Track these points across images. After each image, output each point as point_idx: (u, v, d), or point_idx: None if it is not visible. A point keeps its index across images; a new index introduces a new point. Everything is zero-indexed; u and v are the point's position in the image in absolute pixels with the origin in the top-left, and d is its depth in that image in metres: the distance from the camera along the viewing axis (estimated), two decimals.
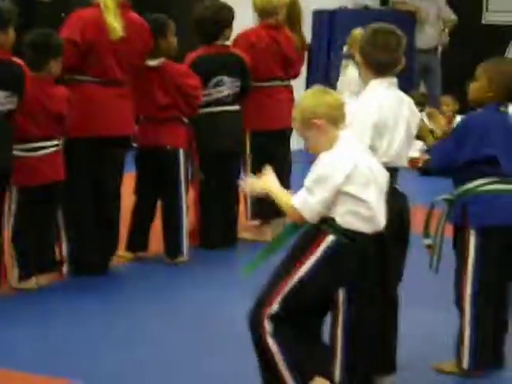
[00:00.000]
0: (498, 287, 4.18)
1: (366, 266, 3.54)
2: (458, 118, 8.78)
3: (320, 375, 3.53)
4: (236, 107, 6.07)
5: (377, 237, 3.57)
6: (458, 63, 8.97)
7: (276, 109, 6.15)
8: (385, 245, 3.67)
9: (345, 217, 3.47)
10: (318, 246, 3.49)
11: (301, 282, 3.50)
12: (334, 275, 3.52)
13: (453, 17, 10.27)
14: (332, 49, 9.40)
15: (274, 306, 3.51)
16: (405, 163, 4.00)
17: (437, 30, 10.26)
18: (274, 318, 3.51)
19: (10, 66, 4.83)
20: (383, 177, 3.59)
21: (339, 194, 3.44)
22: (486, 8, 10.59)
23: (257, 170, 6.06)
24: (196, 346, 4.49)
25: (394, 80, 3.95)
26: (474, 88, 4.18)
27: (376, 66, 3.87)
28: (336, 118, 3.50)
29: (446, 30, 10.31)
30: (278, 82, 6.25)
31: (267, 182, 3.60)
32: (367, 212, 3.48)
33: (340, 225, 3.48)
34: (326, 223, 3.49)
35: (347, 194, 3.44)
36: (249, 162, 6.23)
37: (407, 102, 3.98)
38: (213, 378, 4.13)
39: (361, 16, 9.38)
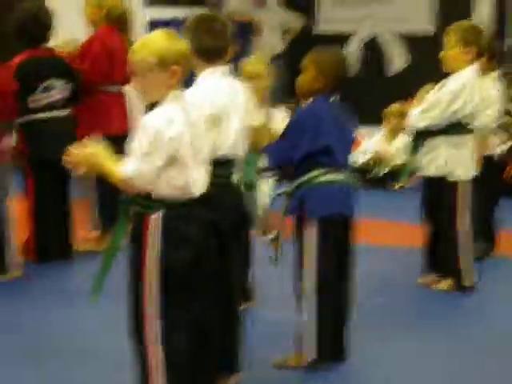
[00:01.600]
0: (338, 279, 4.17)
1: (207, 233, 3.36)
2: None
3: None
4: (66, 112, 5.86)
5: (213, 223, 3.42)
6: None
7: (115, 113, 6.02)
8: (222, 235, 3.58)
9: (163, 188, 3.24)
10: (147, 230, 3.25)
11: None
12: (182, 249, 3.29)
13: (294, 25, 10.45)
14: None
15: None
16: (241, 154, 3.88)
17: (276, 39, 10.37)
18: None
19: None
20: (206, 139, 3.40)
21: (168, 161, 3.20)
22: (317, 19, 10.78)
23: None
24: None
25: (227, 68, 3.84)
26: (302, 80, 4.15)
27: (204, 53, 3.73)
28: (185, 74, 3.30)
29: (287, 38, 10.46)
30: (117, 87, 6.15)
31: (92, 155, 3.25)
32: (182, 180, 3.25)
33: (160, 198, 3.25)
34: (143, 202, 3.27)
35: (172, 162, 3.22)
36: None
37: (242, 90, 3.88)
38: None
39: None
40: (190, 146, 3.26)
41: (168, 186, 3.26)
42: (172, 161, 3.22)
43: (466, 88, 5.23)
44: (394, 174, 8.61)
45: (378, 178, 8.70)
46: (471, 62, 5.29)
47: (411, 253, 5.84)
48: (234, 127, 3.77)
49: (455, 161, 5.29)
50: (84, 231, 6.21)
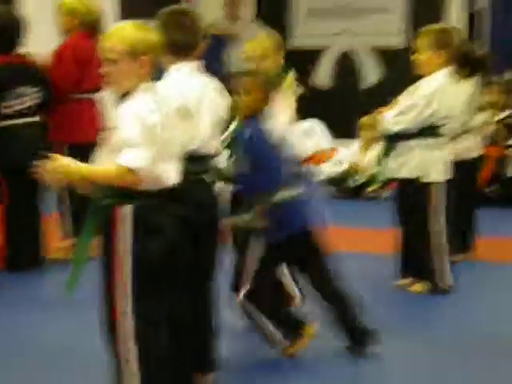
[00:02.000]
0: None
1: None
2: None
3: None
4: (37, 119, 5.80)
5: (186, 218, 3.37)
6: None
7: (86, 121, 5.97)
8: (196, 229, 3.54)
9: None
10: (118, 221, 3.18)
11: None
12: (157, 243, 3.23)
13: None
14: None
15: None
16: (213, 151, 3.81)
17: None
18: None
19: None
20: (177, 132, 3.35)
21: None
22: (291, 33, 10.80)
23: None
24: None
25: (196, 64, 3.76)
26: (248, 101, 4.11)
27: (172, 47, 3.64)
28: (155, 65, 3.27)
29: None
30: (88, 95, 6.09)
31: (66, 165, 3.16)
32: (155, 170, 3.18)
33: (131, 189, 3.16)
34: (115, 193, 3.19)
35: None
36: None
37: (213, 86, 3.81)
38: None
39: None
40: (161, 138, 3.21)
41: None
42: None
43: (438, 91, 5.23)
44: (369, 182, 8.65)
45: (354, 188, 8.70)
46: (444, 65, 5.29)
47: (388, 258, 5.80)
48: (205, 123, 3.71)
49: (429, 163, 5.28)
50: (56, 240, 6.12)
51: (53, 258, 5.98)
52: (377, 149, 8.56)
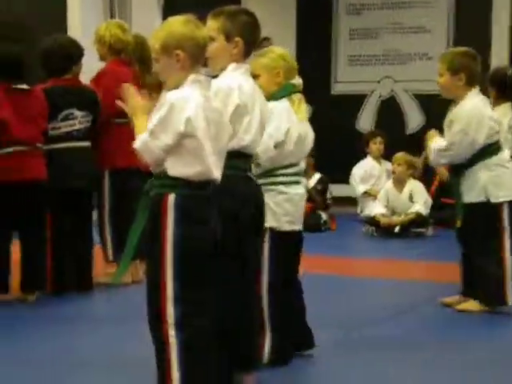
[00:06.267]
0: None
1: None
2: None
3: None
4: (86, 144, 5.87)
5: (232, 212, 3.43)
6: None
7: (130, 146, 6.01)
8: (241, 225, 3.57)
9: (179, 168, 3.23)
10: (164, 210, 3.22)
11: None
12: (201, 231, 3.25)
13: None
14: None
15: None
16: (256, 151, 3.83)
17: None
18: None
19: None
20: (227, 128, 3.40)
21: (180, 141, 3.21)
22: (335, 78, 10.92)
23: (115, 208, 6.07)
24: None
25: (248, 66, 3.83)
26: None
27: (245, 47, 3.70)
28: (198, 57, 3.31)
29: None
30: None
31: (141, 108, 3.32)
32: (200, 162, 3.23)
33: (177, 178, 3.22)
34: (161, 182, 3.25)
35: (186, 142, 3.21)
36: (107, 200, 6.04)
37: (258, 90, 3.86)
38: None
39: None
40: (208, 131, 3.26)
41: (184, 167, 3.24)
42: (187, 141, 3.22)
43: (471, 121, 5.19)
44: (414, 222, 8.64)
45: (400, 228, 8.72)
46: (465, 87, 5.25)
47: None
48: (256, 122, 3.75)
49: (496, 182, 5.23)
50: (103, 264, 6.16)
51: (100, 282, 6.01)
52: (409, 186, 8.67)
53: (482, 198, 5.24)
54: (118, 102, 3.43)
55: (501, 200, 5.25)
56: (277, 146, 4.10)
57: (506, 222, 5.28)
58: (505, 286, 5.26)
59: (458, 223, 5.29)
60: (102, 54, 6.18)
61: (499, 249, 5.25)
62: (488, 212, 5.25)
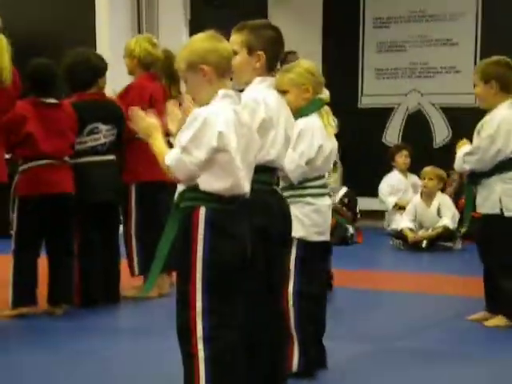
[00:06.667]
0: None
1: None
2: None
3: None
4: (111, 157, 5.90)
5: (262, 227, 3.43)
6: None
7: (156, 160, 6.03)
8: (270, 240, 3.56)
9: (211, 182, 3.23)
10: (194, 224, 3.22)
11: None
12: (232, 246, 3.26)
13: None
14: None
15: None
16: (282, 165, 3.82)
17: None
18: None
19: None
20: (255, 142, 3.40)
21: (212, 156, 3.20)
22: (362, 92, 10.89)
23: (142, 222, 6.09)
24: None
25: (274, 80, 3.81)
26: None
27: (270, 61, 3.71)
28: (224, 69, 3.32)
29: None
30: None
31: (154, 127, 3.35)
32: (231, 177, 3.23)
33: (207, 192, 3.23)
34: (191, 195, 3.26)
35: (219, 156, 3.21)
36: (133, 214, 6.06)
37: (284, 103, 3.85)
38: None
39: None
40: (238, 145, 3.27)
41: (216, 181, 3.24)
42: (220, 156, 3.22)
43: (502, 128, 5.19)
44: (441, 236, 8.60)
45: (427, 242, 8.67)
46: (500, 95, 5.26)
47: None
48: (281, 136, 3.74)
49: (510, 195, 5.21)
50: (129, 278, 6.18)
51: (127, 296, 6.03)
52: (438, 199, 8.65)
53: (496, 210, 5.22)
54: (130, 124, 3.45)
55: None
56: (308, 162, 4.12)
57: None
58: None
59: (463, 230, 5.26)
60: (131, 68, 6.20)
61: None
62: (503, 225, 5.21)
